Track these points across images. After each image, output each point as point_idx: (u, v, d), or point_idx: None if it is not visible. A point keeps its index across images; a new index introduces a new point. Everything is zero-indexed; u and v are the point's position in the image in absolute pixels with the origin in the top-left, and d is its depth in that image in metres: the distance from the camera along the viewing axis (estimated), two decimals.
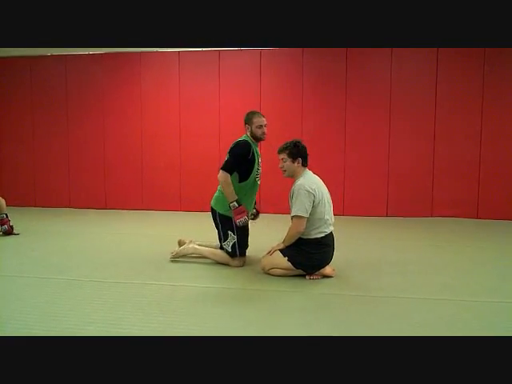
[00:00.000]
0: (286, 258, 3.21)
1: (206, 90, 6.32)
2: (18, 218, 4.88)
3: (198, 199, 6.18)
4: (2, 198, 4.79)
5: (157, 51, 6.39)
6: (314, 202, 3.14)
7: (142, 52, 6.41)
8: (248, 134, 3.59)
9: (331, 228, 3.27)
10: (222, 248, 3.66)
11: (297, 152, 3.25)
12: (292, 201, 3.19)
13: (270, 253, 3.30)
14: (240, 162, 3.48)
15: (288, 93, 6.18)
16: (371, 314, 2.62)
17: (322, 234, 3.20)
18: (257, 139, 3.59)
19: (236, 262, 3.59)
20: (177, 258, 3.75)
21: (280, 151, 3.30)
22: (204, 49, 6.25)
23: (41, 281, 3.21)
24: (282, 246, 3.26)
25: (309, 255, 3.17)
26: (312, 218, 3.16)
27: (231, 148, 3.54)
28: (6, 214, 4.73)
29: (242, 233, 3.58)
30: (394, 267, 3.60)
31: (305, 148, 3.31)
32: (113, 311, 2.64)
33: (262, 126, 3.55)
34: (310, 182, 3.20)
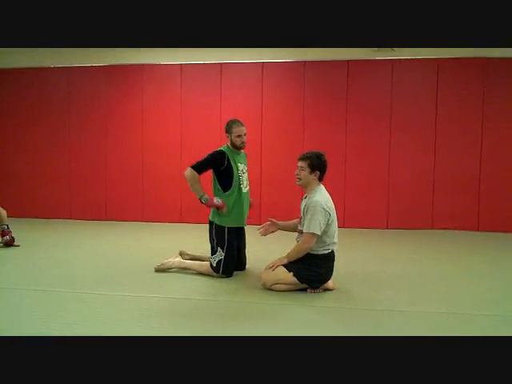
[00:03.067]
0: (292, 273, 3.18)
1: (208, 103, 6.35)
2: (19, 230, 4.88)
3: (199, 211, 6.17)
4: (4, 209, 4.80)
5: (159, 64, 6.44)
6: (328, 220, 3.14)
7: (143, 64, 6.46)
8: (228, 143, 3.68)
9: (336, 246, 3.29)
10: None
11: (317, 165, 3.21)
12: (306, 216, 3.15)
13: (271, 268, 3.25)
14: (210, 165, 3.60)
15: (289, 105, 6.22)
16: (372, 328, 2.60)
17: (330, 250, 3.23)
18: (237, 148, 3.67)
19: (218, 275, 3.63)
20: (161, 269, 3.76)
21: (301, 159, 3.25)
22: (206, 61, 6.30)
23: (42, 293, 3.21)
24: (285, 261, 3.23)
25: (316, 270, 3.17)
26: (324, 236, 3.16)
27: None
28: (7, 226, 4.74)
29: (231, 254, 3.61)
30: (395, 280, 3.59)
31: (326, 163, 3.25)
32: (115, 325, 2.63)
33: (241, 135, 3.63)
34: (326, 199, 3.20)
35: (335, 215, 3.24)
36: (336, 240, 3.25)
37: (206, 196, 3.58)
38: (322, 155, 3.26)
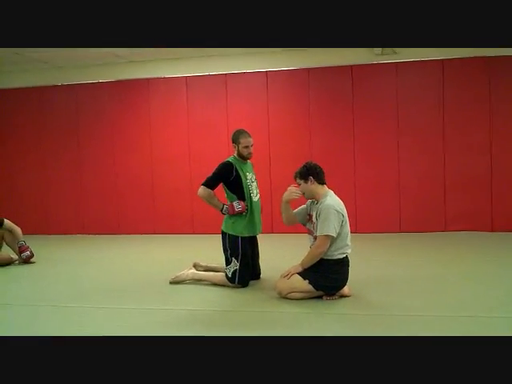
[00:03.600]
0: (307, 280, 3.16)
1: (214, 114, 6.39)
2: (32, 246, 4.91)
3: (210, 222, 6.17)
4: (17, 226, 4.84)
5: (164, 77, 6.50)
6: (342, 222, 3.15)
7: (149, 78, 6.52)
8: (235, 153, 3.71)
9: (350, 249, 3.27)
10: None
11: (306, 171, 3.28)
12: (319, 220, 3.15)
13: (286, 276, 3.24)
14: (220, 179, 3.63)
15: (295, 112, 6.23)
16: (389, 334, 2.57)
17: (344, 255, 3.21)
18: (244, 158, 3.71)
19: (234, 285, 3.62)
20: (176, 281, 3.76)
21: (294, 178, 3.35)
22: (210, 73, 6.35)
23: (55, 309, 3.22)
24: (300, 269, 3.21)
25: (331, 276, 3.15)
26: (338, 239, 3.15)
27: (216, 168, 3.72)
28: (24, 241, 4.79)
29: (245, 263, 3.61)
30: (410, 284, 3.56)
31: (315, 166, 3.30)
32: None
33: (248, 146, 3.66)
34: (337, 202, 3.22)
35: (347, 218, 3.24)
36: (349, 243, 3.24)
37: (226, 206, 3.61)
38: (307, 162, 3.35)
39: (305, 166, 3.32)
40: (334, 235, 3.11)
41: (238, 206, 3.59)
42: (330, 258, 3.16)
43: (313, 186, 3.27)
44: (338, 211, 3.13)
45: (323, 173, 3.32)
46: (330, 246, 3.14)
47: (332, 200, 3.20)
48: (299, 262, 3.25)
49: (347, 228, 3.21)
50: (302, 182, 3.29)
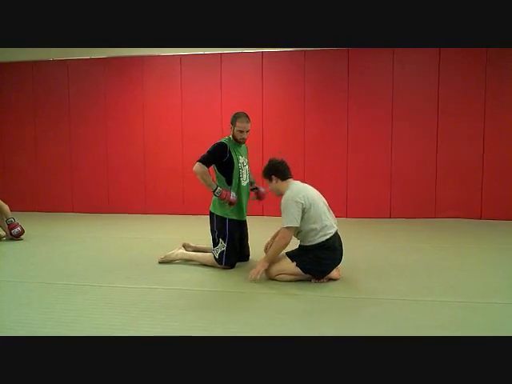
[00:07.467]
0: (295, 263, 3.17)
1: (208, 93, 6.32)
2: (21, 223, 4.87)
3: (201, 202, 6.16)
4: (5, 203, 4.79)
5: (158, 55, 6.39)
6: (304, 209, 3.14)
7: (143, 56, 6.41)
8: (230, 134, 3.68)
9: (334, 229, 3.24)
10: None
11: (268, 171, 3.33)
12: (281, 214, 3.20)
13: (257, 276, 3.18)
14: (215, 158, 3.59)
15: (290, 95, 6.18)
16: (377, 317, 2.60)
17: (327, 237, 3.17)
18: (237, 141, 3.67)
19: (221, 266, 3.64)
20: (165, 261, 3.77)
21: (262, 177, 3.39)
22: (205, 52, 6.25)
23: (45, 286, 3.21)
24: (266, 265, 3.22)
25: (318, 260, 3.15)
26: (309, 223, 3.14)
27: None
28: (14, 218, 4.76)
29: (232, 245, 3.62)
30: (399, 269, 3.59)
31: (275, 163, 3.33)
32: (119, 316, 2.63)
33: (243, 131, 3.61)
34: (296, 191, 3.20)
35: (318, 200, 3.23)
36: (328, 223, 3.20)
37: (220, 188, 3.55)
38: (269, 161, 3.37)
39: (267, 165, 3.36)
40: (296, 224, 3.13)
41: (233, 195, 3.57)
42: (312, 243, 3.17)
43: (277, 184, 3.31)
44: (296, 201, 3.13)
45: (286, 167, 3.33)
46: (307, 232, 3.15)
47: (290, 191, 3.21)
48: (264, 257, 3.27)
49: (315, 211, 3.16)
50: (267, 180, 3.35)
